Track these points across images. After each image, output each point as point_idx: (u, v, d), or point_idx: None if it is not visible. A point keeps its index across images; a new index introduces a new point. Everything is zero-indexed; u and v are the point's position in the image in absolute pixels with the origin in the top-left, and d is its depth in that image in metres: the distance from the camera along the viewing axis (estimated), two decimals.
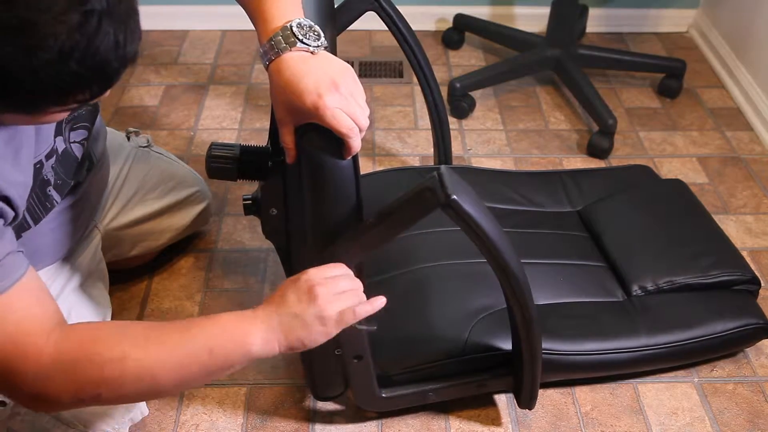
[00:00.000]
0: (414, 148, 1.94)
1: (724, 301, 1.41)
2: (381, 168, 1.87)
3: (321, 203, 1.00)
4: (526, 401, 1.26)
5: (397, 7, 2.27)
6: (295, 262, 1.21)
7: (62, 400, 0.88)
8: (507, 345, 1.24)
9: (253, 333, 0.92)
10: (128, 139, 1.51)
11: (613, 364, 1.34)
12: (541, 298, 1.35)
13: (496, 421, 1.32)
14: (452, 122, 2.04)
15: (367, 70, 2.24)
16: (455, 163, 1.90)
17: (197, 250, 1.65)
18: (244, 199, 1.20)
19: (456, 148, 1.95)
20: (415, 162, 1.90)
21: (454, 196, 0.90)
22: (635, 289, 1.40)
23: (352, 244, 0.99)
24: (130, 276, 1.57)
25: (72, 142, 1.14)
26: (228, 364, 0.92)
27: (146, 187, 1.47)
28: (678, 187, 1.65)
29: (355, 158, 0.96)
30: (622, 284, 1.42)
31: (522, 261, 1.39)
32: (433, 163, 1.75)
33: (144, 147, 1.52)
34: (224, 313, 0.94)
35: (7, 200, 0.90)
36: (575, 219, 1.56)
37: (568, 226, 1.54)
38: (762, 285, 1.44)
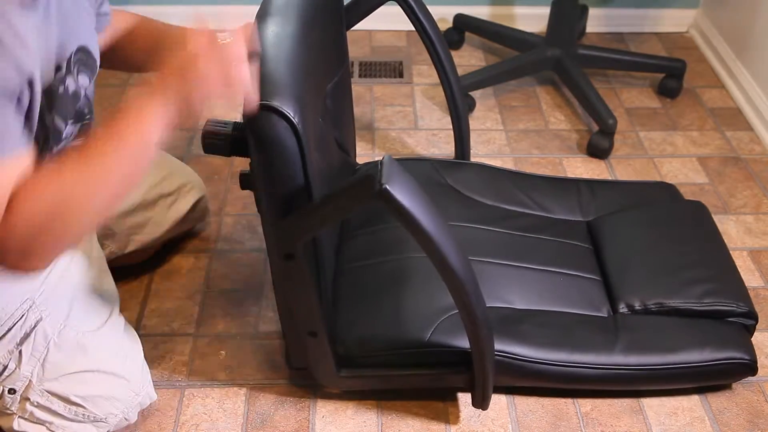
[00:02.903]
0: (414, 148, 1.94)
1: (712, 331, 1.34)
2: None
3: (268, 185, 1.02)
4: (479, 401, 1.26)
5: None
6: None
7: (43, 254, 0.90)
8: (468, 344, 1.23)
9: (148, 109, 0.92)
10: None
11: (582, 378, 1.31)
12: (522, 302, 1.34)
13: (496, 421, 1.32)
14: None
15: (367, 70, 2.24)
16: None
17: (197, 250, 1.65)
18: (242, 173, 1.21)
19: None
20: None
21: (387, 186, 0.89)
22: (622, 307, 1.37)
23: (299, 222, 1.01)
24: (131, 276, 1.57)
25: (82, 86, 1.12)
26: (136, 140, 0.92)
27: None
28: (697, 210, 1.57)
29: (300, 141, 0.96)
30: (611, 300, 1.39)
31: (513, 264, 1.40)
32: (455, 156, 1.72)
33: None
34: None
35: (31, 83, 0.89)
36: (583, 229, 1.53)
37: (573, 236, 1.51)
38: (758, 320, 1.38)
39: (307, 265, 1.08)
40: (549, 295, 1.37)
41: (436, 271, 1.34)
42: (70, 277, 1.23)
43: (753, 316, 1.37)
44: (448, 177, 1.58)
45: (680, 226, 1.53)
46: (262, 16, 1.08)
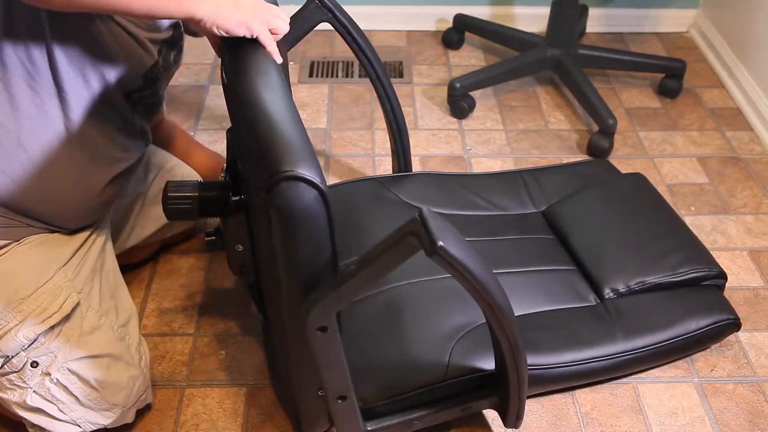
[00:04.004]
0: (414, 148, 1.94)
1: (695, 298, 1.41)
2: (380, 169, 1.87)
3: (294, 256, 0.95)
4: (512, 421, 1.23)
5: (398, 7, 2.27)
6: (269, 305, 1.17)
7: None
8: (489, 364, 1.21)
9: None
10: None
11: (593, 372, 1.33)
12: (516, 309, 1.32)
13: (495, 421, 1.32)
14: (452, 122, 2.04)
15: None
16: (453, 162, 1.90)
17: (197, 250, 1.65)
18: (207, 235, 1.17)
19: (456, 148, 1.95)
20: (416, 162, 1.90)
21: (441, 243, 0.85)
22: (607, 292, 1.39)
23: (331, 293, 0.95)
24: (131, 276, 1.57)
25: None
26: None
27: (138, 171, 1.49)
28: (639, 181, 1.64)
29: (327, 205, 0.91)
30: (594, 287, 1.40)
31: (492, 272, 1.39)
32: (392, 170, 1.70)
33: None
34: None
35: None
36: (540, 220, 1.55)
37: (534, 229, 1.52)
38: (728, 279, 1.47)
39: (338, 331, 1.02)
40: (535, 297, 1.37)
41: (426, 295, 1.34)
42: (98, 269, 1.27)
43: (723, 275, 1.45)
44: (400, 192, 1.56)
45: (630, 200, 1.59)
46: (240, 72, 1.01)
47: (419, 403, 1.22)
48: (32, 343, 1.12)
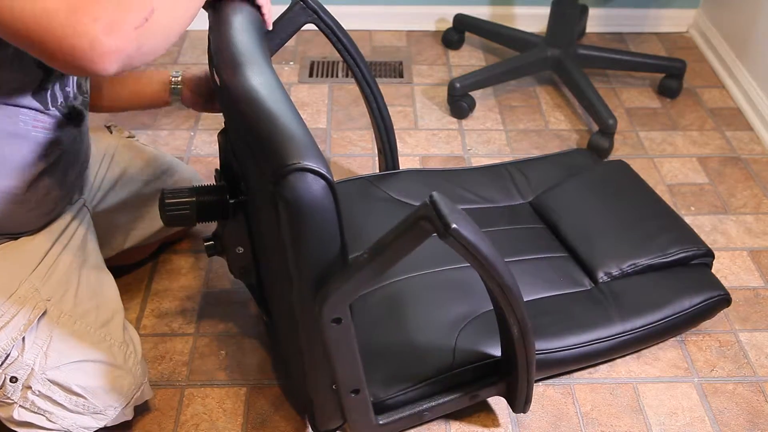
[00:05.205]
0: (414, 148, 1.94)
1: (686, 277, 1.44)
2: (376, 170, 1.87)
3: (305, 248, 0.95)
4: (521, 406, 1.25)
5: (398, 7, 2.27)
6: (273, 304, 1.17)
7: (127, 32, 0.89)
8: (495, 351, 1.23)
9: None
10: (110, 131, 1.53)
11: (593, 354, 1.35)
12: None
13: (495, 421, 1.32)
14: (452, 122, 2.04)
15: None
16: (453, 162, 1.90)
17: (197, 250, 1.65)
18: (206, 240, 1.16)
19: (456, 148, 1.95)
20: (415, 162, 1.90)
21: (455, 225, 0.86)
22: (601, 276, 1.42)
23: (346, 283, 0.95)
24: (130, 276, 1.57)
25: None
26: None
27: (133, 170, 1.48)
28: (621, 168, 1.67)
29: (335, 196, 0.91)
30: (588, 272, 1.43)
31: None
32: (379, 169, 1.68)
33: (129, 137, 1.55)
34: None
35: None
36: (528, 210, 1.57)
37: (523, 219, 1.55)
38: (714, 256, 1.50)
39: (352, 323, 1.01)
40: (531, 284, 1.39)
41: (427, 287, 1.35)
42: (75, 269, 1.24)
43: (710, 253, 1.49)
44: (389, 190, 1.57)
45: (615, 186, 1.62)
46: (235, 66, 1.01)
47: (428, 394, 1.23)
48: (5, 359, 1.11)
